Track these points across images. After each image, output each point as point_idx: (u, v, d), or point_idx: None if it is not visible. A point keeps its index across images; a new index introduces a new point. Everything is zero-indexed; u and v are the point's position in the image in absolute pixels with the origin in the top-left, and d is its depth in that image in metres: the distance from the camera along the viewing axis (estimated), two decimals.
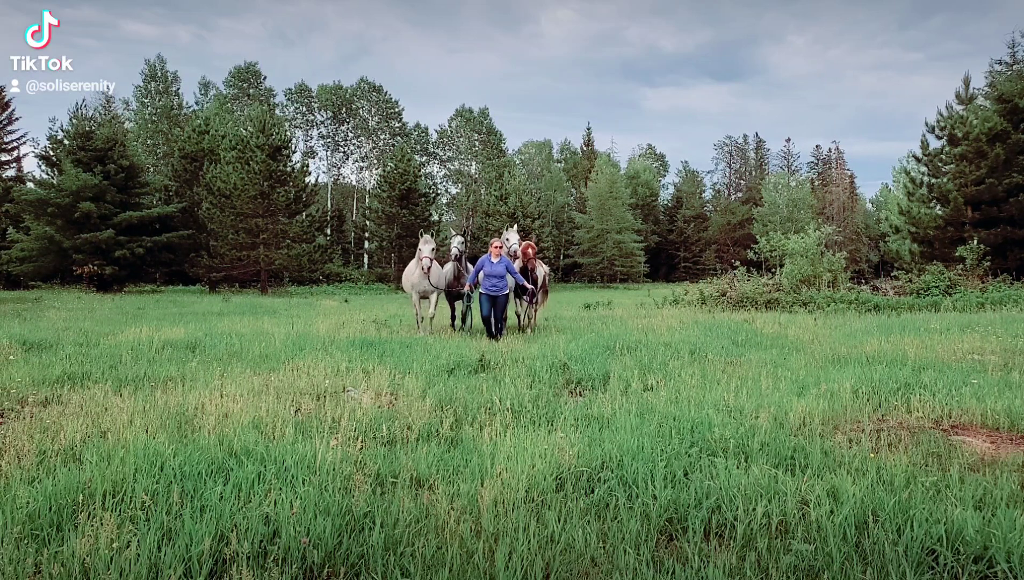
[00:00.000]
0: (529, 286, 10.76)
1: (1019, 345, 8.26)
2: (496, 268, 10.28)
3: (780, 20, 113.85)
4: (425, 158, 65.35)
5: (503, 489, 3.31)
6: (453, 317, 12.19)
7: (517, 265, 11.28)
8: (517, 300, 11.44)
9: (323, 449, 3.75)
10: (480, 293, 10.57)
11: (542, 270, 12.10)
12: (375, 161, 63.07)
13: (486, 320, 10.35)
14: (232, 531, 2.79)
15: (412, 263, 11.55)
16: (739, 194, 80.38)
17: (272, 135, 34.33)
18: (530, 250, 11.07)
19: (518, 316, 11.90)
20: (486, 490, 3.27)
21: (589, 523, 3.02)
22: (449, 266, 11.70)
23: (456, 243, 11.54)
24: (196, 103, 58.77)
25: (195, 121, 42.19)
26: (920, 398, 5.30)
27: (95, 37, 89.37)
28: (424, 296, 11.73)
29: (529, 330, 11.39)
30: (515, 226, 12.05)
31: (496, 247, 10.47)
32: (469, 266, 11.70)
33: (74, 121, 33.59)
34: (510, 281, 10.59)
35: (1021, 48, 32.45)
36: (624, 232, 60.08)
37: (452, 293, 11.72)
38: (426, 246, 11.03)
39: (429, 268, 10.91)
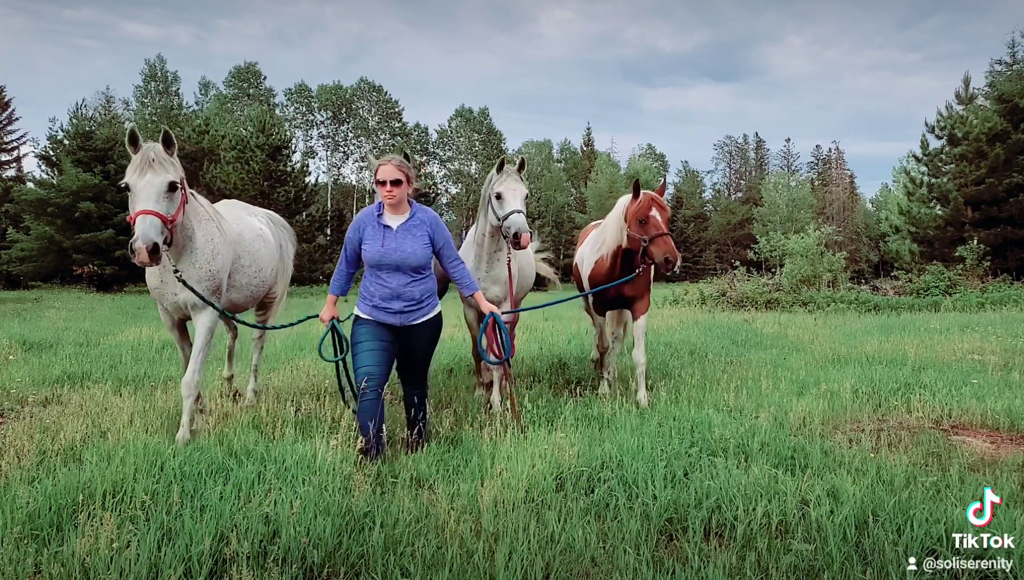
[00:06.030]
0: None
1: (1019, 345, 8.26)
2: (399, 243, 4.02)
3: (778, 20, 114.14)
4: (425, 158, 65.34)
5: (503, 489, 3.31)
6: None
7: (534, 258, 6.21)
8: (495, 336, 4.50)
9: (323, 449, 3.74)
10: (357, 317, 4.12)
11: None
12: (375, 161, 63.03)
13: (363, 398, 3.97)
14: (232, 531, 2.78)
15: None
16: (739, 194, 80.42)
17: (272, 135, 34.40)
18: (657, 213, 4.95)
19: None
20: (486, 490, 3.27)
21: (589, 523, 3.02)
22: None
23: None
24: (196, 103, 58.74)
25: (195, 121, 42.18)
26: (920, 398, 5.31)
27: (95, 37, 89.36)
28: (185, 318, 4.69)
29: (644, 398, 5.29)
30: (517, 165, 4.90)
31: (389, 187, 4.09)
32: None
33: (74, 121, 33.62)
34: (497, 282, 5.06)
35: (1021, 48, 32.42)
36: None
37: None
38: (154, 173, 3.98)
39: (150, 250, 3.66)
